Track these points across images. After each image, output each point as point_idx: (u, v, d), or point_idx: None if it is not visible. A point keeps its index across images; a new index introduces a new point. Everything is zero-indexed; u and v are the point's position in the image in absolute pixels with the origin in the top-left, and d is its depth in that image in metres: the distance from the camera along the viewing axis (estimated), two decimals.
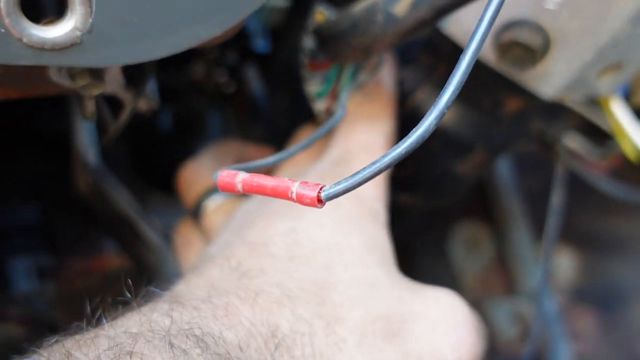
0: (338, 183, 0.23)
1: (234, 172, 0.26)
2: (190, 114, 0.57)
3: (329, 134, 0.40)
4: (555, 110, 0.42)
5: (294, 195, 0.24)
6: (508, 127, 0.43)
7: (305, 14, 0.51)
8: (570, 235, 0.63)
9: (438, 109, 0.23)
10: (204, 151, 0.47)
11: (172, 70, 0.53)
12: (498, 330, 0.66)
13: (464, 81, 0.23)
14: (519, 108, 0.42)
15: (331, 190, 0.24)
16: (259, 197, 0.39)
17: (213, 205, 0.42)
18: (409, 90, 0.43)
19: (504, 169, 0.69)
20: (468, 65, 0.22)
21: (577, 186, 0.53)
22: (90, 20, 0.24)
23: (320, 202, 0.24)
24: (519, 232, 0.68)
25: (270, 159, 0.33)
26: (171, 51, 0.26)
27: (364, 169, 0.23)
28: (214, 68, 0.54)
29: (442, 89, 0.42)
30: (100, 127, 0.42)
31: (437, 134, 0.43)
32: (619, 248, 0.69)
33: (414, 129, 0.23)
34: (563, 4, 0.34)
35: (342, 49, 0.38)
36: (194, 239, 0.43)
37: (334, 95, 0.41)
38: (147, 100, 0.34)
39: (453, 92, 0.23)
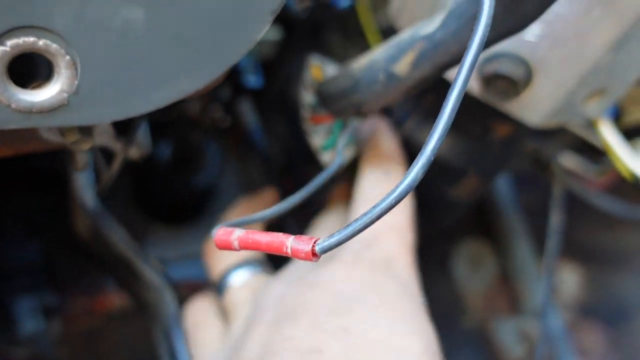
0: (332, 236, 0.23)
1: (230, 229, 0.26)
2: (187, 147, 0.58)
3: (351, 203, 0.40)
4: (547, 131, 0.42)
5: (288, 250, 0.24)
6: (499, 151, 0.44)
7: (297, 44, 0.51)
8: (572, 250, 0.63)
9: (425, 157, 0.22)
10: (229, 217, 0.45)
11: (167, 108, 0.53)
12: (504, 350, 0.66)
13: (448, 128, 0.23)
14: (509, 133, 0.42)
15: (325, 244, 0.23)
16: (289, 275, 0.38)
17: (239, 281, 0.40)
18: (398, 121, 0.43)
19: (503, 185, 0.69)
20: (450, 116, 0.22)
21: (576, 201, 0.53)
22: (76, 82, 0.24)
23: (315, 255, 0.24)
24: (521, 248, 0.68)
25: (268, 211, 0.32)
26: (158, 106, 0.26)
27: (355, 220, 0.23)
28: (208, 104, 0.54)
29: (429, 117, 0.43)
30: (97, 171, 0.43)
31: None
32: (622, 262, 0.69)
33: (402, 179, 0.23)
34: (543, 36, 0.34)
35: (343, 106, 0.38)
36: (209, 323, 0.41)
37: None
38: (138, 148, 0.34)
39: (438, 138, 0.23)
